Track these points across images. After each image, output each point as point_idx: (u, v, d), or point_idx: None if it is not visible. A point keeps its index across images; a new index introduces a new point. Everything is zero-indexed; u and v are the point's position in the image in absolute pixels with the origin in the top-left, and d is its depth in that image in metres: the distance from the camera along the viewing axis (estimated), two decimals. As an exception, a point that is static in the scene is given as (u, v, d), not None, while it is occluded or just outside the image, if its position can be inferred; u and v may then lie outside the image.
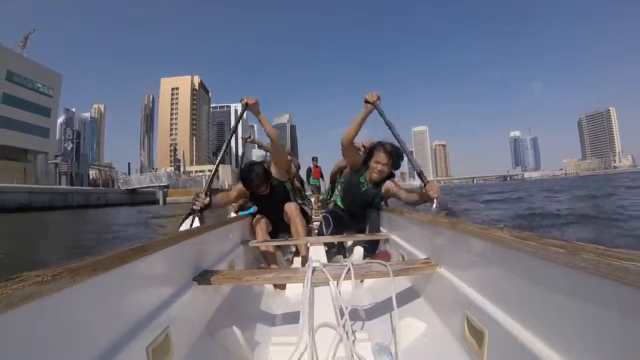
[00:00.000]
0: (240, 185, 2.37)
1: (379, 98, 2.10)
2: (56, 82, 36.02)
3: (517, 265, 0.78)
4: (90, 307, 0.67)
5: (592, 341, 0.57)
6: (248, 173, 2.23)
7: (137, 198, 32.86)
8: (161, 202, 33.09)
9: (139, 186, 34.90)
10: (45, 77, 34.22)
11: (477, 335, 0.92)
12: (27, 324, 0.53)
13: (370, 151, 2.37)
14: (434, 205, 1.77)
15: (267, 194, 2.35)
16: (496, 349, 0.84)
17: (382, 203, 2.60)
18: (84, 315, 0.65)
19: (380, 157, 2.27)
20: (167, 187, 35.56)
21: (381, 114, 2.15)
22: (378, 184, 2.38)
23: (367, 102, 2.11)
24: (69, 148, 35.17)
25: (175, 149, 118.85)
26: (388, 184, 2.38)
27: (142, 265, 0.87)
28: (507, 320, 0.80)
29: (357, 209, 2.54)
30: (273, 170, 2.41)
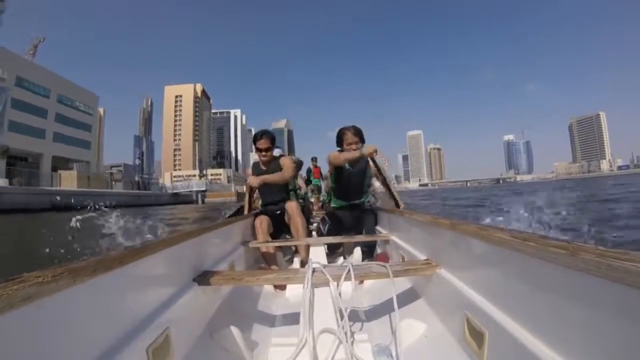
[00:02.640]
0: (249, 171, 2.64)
1: (375, 151, 2.24)
2: (94, 102, 42.41)
3: (517, 266, 0.78)
4: (90, 308, 0.67)
5: (592, 342, 0.57)
6: (261, 130, 2.52)
7: (179, 199, 42.16)
8: (199, 202, 43.05)
9: (185, 190, 46.54)
10: (85, 97, 40.30)
11: (477, 336, 0.91)
12: (27, 325, 0.52)
13: (338, 139, 2.54)
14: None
15: (267, 162, 2.51)
16: (496, 349, 0.84)
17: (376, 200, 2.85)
18: (84, 316, 0.65)
19: (350, 138, 2.45)
20: (205, 191, 47.72)
21: (376, 165, 2.48)
22: (357, 160, 2.49)
23: (361, 156, 2.26)
24: (137, 163, 45.07)
25: (205, 160, 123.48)
26: (375, 170, 2.61)
27: (142, 266, 0.87)
28: (507, 321, 0.80)
29: (354, 193, 2.63)
30: (282, 163, 2.53)
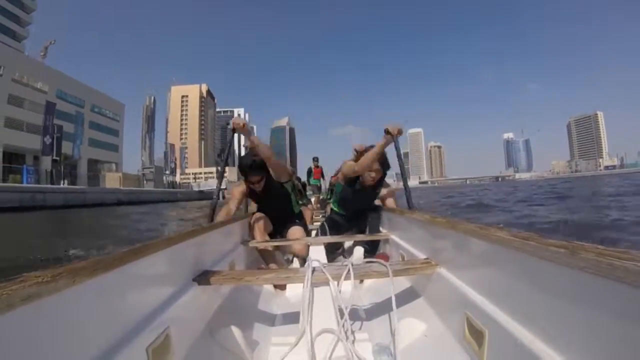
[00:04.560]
0: (237, 188, 2.36)
1: (400, 132, 2.05)
2: (121, 109, 47.16)
3: (517, 265, 0.77)
4: (90, 308, 0.67)
5: (592, 341, 0.56)
6: (245, 159, 2.13)
7: (204, 195, 48.20)
8: (221, 198, 50.62)
9: (208, 188, 54.08)
10: (113, 105, 44.97)
11: (477, 335, 0.91)
12: (27, 325, 0.52)
13: (358, 158, 2.35)
14: None
15: (263, 190, 2.23)
16: (496, 349, 0.83)
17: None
18: (83, 315, 0.65)
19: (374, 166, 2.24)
20: (225, 189, 54.69)
21: (397, 147, 2.16)
22: (374, 187, 2.40)
23: (387, 132, 2.04)
24: (172, 166, 62.65)
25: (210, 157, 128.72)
26: (387, 195, 2.49)
27: (142, 265, 0.86)
28: (507, 320, 0.79)
29: (354, 212, 2.53)
30: (272, 173, 2.28)
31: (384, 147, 2.11)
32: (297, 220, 2.48)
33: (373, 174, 2.29)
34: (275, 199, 2.35)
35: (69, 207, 19.38)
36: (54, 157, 29.08)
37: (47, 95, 32.83)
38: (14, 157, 28.82)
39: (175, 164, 62.66)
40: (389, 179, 2.76)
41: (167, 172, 58.40)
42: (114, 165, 42.93)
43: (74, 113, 36.29)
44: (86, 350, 0.65)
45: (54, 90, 34.25)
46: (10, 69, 29.07)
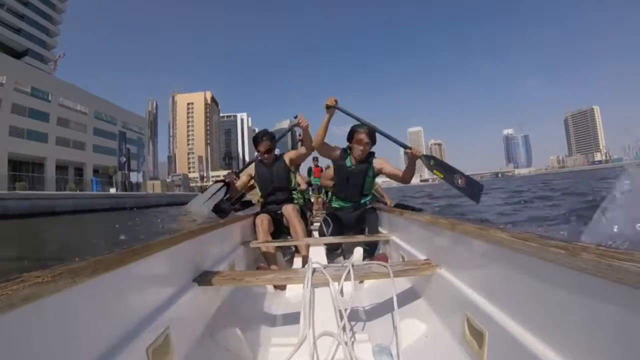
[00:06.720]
0: (247, 170, 2.61)
1: (336, 101, 2.25)
2: (144, 123, 53.36)
3: (518, 265, 0.76)
4: (90, 308, 0.66)
5: (592, 341, 0.56)
6: (260, 131, 2.54)
7: None
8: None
9: None
10: (138, 120, 50.40)
11: (477, 335, 0.89)
12: (27, 325, 0.52)
13: (349, 135, 2.45)
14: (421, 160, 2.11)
15: (270, 163, 2.50)
16: (496, 349, 0.82)
17: (381, 200, 2.66)
18: (83, 316, 0.65)
19: (361, 137, 2.35)
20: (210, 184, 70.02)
21: (343, 110, 2.32)
22: (363, 160, 2.45)
23: (328, 106, 2.24)
24: (201, 174, 67.65)
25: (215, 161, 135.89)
26: (379, 162, 2.48)
27: (142, 266, 0.86)
28: (507, 320, 0.78)
29: (354, 193, 2.53)
30: (286, 157, 2.54)
31: (329, 118, 2.32)
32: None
33: (362, 147, 2.38)
34: (277, 175, 2.53)
35: (139, 208, 24.44)
36: (125, 172, 38.35)
37: (87, 116, 38.86)
38: (59, 169, 34.38)
39: (203, 174, 71.06)
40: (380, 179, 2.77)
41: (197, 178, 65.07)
42: (142, 173, 49.38)
43: (111, 131, 42.57)
44: (86, 351, 0.64)
45: (92, 111, 39.81)
46: (56, 96, 34.69)
